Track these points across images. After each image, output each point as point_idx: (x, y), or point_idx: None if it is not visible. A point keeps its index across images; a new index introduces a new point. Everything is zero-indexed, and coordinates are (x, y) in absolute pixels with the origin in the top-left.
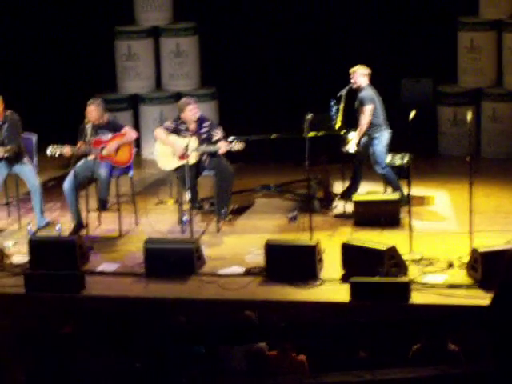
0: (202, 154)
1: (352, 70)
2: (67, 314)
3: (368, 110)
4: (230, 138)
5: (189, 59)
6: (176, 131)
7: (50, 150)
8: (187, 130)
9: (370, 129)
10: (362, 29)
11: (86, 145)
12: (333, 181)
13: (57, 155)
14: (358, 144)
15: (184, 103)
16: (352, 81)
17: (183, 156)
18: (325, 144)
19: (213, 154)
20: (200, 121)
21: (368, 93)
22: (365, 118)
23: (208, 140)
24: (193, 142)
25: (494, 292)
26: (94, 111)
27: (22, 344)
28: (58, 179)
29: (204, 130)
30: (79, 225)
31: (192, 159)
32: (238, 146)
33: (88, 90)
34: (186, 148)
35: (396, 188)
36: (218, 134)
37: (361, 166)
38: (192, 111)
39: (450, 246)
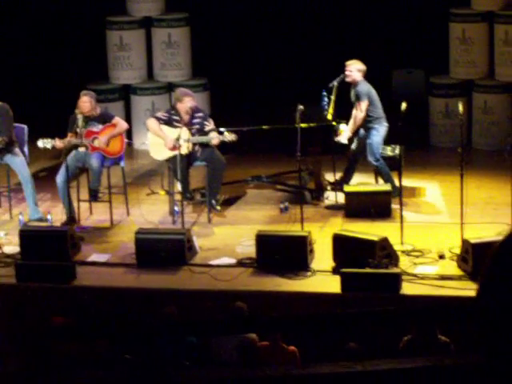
0: (194, 145)
1: (348, 62)
2: (58, 304)
3: (363, 104)
4: (222, 129)
5: (180, 50)
6: (168, 122)
7: (40, 143)
8: (180, 121)
9: (369, 121)
10: (354, 19)
11: (78, 136)
12: (324, 172)
13: (48, 147)
14: (352, 137)
15: (183, 93)
16: (347, 73)
17: (174, 147)
18: (316, 135)
19: (205, 145)
20: (193, 111)
21: (363, 88)
22: (360, 113)
23: (200, 131)
24: (184, 132)
25: (479, 285)
26: (87, 103)
27: (13, 335)
28: (49, 170)
29: (196, 120)
30: (71, 219)
31: (184, 150)
32: (230, 137)
33: (79, 81)
34: (178, 139)
35: (387, 179)
36: (209, 125)
37: (358, 157)
38: (190, 102)
39: (441, 237)
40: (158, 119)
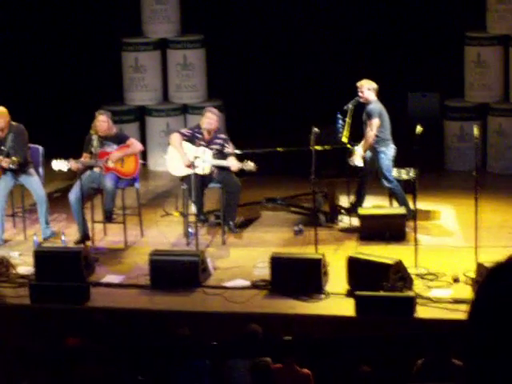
0: (212, 167)
1: (359, 83)
2: (72, 326)
3: (374, 124)
4: (238, 152)
5: (196, 71)
6: (191, 139)
7: (55, 165)
8: (202, 139)
9: (376, 143)
10: (370, 43)
11: (92, 157)
12: (339, 194)
13: (63, 169)
14: (364, 157)
15: (206, 109)
16: (360, 94)
17: (190, 166)
18: (331, 157)
19: (222, 168)
20: (216, 132)
21: (375, 107)
22: (371, 132)
23: (219, 152)
24: (204, 153)
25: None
26: (105, 122)
27: (26, 356)
28: (64, 190)
29: (218, 141)
30: (84, 236)
31: (200, 170)
32: (250, 166)
33: (94, 102)
34: (196, 158)
35: (402, 202)
36: (229, 148)
37: (366, 179)
38: (208, 118)
39: (455, 260)
40: (182, 135)
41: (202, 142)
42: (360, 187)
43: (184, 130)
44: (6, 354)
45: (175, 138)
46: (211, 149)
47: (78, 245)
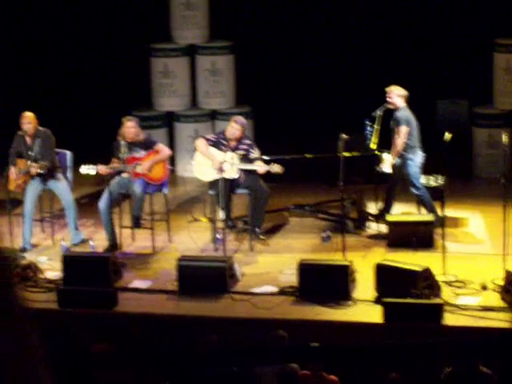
0: (239, 171)
1: (388, 89)
2: (99, 331)
3: (403, 131)
4: (266, 157)
5: (224, 78)
6: (216, 144)
7: (83, 169)
8: (227, 146)
9: (404, 150)
10: (399, 49)
11: (120, 162)
12: (367, 201)
13: (91, 174)
14: (393, 165)
15: (234, 118)
16: (388, 100)
17: (220, 169)
18: (359, 164)
19: (249, 173)
20: (241, 139)
21: (404, 114)
22: (399, 139)
23: (245, 157)
24: (231, 157)
25: None
26: (133, 128)
27: (53, 361)
28: (92, 196)
29: (243, 146)
30: (113, 245)
31: (229, 174)
32: (276, 168)
33: (123, 107)
34: (223, 162)
35: (430, 209)
36: (255, 153)
37: (395, 186)
38: (232, 128)
39: (483, 268)
40: (207, 140)
41: (227, 149)
42: (389, 194)
43: (209, 136)
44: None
45: (201, 143)
46: (237, 153)
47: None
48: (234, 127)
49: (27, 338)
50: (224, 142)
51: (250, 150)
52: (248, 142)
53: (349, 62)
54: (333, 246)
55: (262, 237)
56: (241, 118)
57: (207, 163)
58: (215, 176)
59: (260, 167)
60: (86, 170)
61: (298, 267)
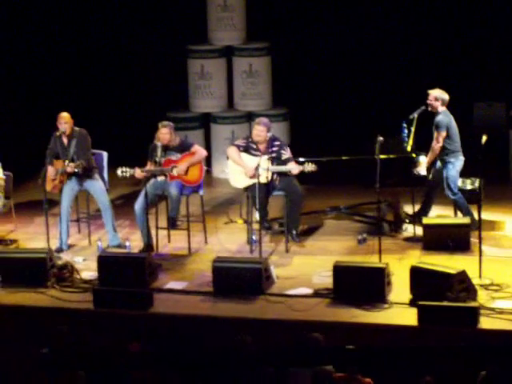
0: (273, 174)
1: (430, 91)
2: (135, 331)
3: (441, 135)
4: (302, 159)
5: (261, 79)
6: (246, 149)
7: (120, 172)
8: (257, 149)
9: (445, 153)
10: (436, 52)
11: (157, 165)
12: (403, 203)
13: (127, 176)
14: (430, 168)
15: (255, 121)
16: (428, 102)
17: (254, 175)
18: (395, 166)
19: (284, 174)
20: (270, 140)
21: (444, 119)
22: (437, 143)
23: (277, 159)
24: (264, 161)
25: None
26: (167, 134)
27: (88, 360)
28: (128, 197)
29: (274, 148)
30: (148, 247)
31: (263, 179)
32: (310, 167)
33: (160, 108)
34: (257, 168)
35: (466, 213)
36: (286, 153)
37: (434, 189)
38: (256, 131)
39: None
40: (238, 147)
41: (258, 152)
42: (428, 197)
43: (238, 142)
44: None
45: (233, 150)
46: (269, 157)
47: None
48: (258, 129)
49: None
50: (254, 146)
51: (281, 150)
52: (278, 142)
53: (387, 63)
54: (369, 249)
55: (297, 239)
56: (263, 119)
57: (241, 170)
58: (250, 182)
59: (294, 168)
60: (122, 173)
61: (334, 269)
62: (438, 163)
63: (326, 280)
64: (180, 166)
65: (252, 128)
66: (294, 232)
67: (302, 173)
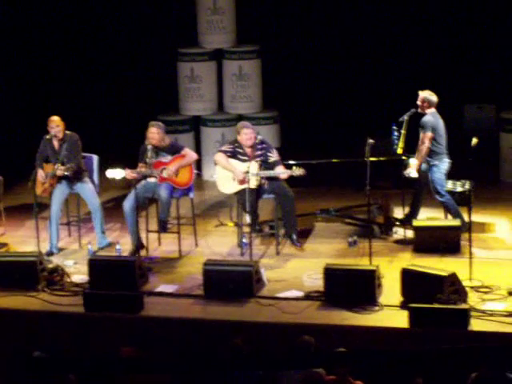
0: (261, 178)
1: (420, 92)
2: (126, 335)
3: (427, 136)
4: (292, 162)
5: (251, 82)
6: (233, 154)
7: (110, 174)
8: (244, 154)
9: (429, 156)
10: (425, 55)
11: (147, 167)
12: (393, 206)
13: (117, 178)
14: (419, 170)
15: (240, 126)
16: (418, 103)
17: (243, 181)
18: (386, 169)
19: (272, 178)
20: (255, 144)
21: (430, 119)
22: (423, 145)
23: (264, 162)
24: (253, 166)
25: None
26: (156, 134)
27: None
28: (119, 200)
29: (259, 152)
30: (138, 246)
31: (253, 183)
32: (299, 171)
33: (150, 111)
34: (247, 173)
35: (456, 215)
36: (273, 155)
37: (421, 191)
38: (246, 135)
39: (510, 273)
40: (225, 152)
41: (245, 157)
42: (415, 199)
43: (225, 148)
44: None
45: (220, 156)
46: (256, 161)
47: (132, 255)
48: (248, 133)
49: None
50: (240, 151)
51: (268, 153)
52: (264, 145)
53: (376, 66)
54: (359, 251)
55: (297, 244)
56: (247, 123)
57: (230, 176)
58: (239, 187)
59: (283, 173)
60: (112, 174)
61: (324, 272)
62: (424, 165)
63: (316, 283)
64: (170, 168)
65: (238, 134)
66: (294, 237)
67: (291, 176)
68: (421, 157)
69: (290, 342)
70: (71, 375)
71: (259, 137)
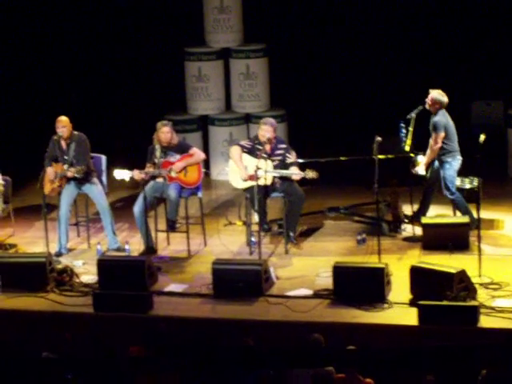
0: (274, 177)
1: (431, 90)
2: (135, 334)
3: (440, 136)
4: (301, 160)
5: (258, 81)
6: (251, 150)
7: (117, 174)
8: (263, 150)
9: (442, 153)
10: (433, 51)
11: (155, 167)
12: (402, 203)
13: (126, 179)
14: (428, 168)
15: (261, 121)
16: (427, 101)
17: (252, 177)
18: (394, 166)
19: (285, 178)
20: (276, 143)
21: (441, 119)
22: (435, 144)
23: (282, 162)
24: (263, 163)
25: None
26: (168, 133)
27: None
28: (127, 200)
29: (279, 151)
30: (149, 249)
31: (261, 181)
32: (311, 174)
33: (158, 111)
34: (257, 169)
35: (465, 212)
36: (291, 157)
37: (431, 189)
38: (262, 130)
39: None
40: (242, 147)
41: (264, 154)
42: (425, 197)
43: (244, 142)
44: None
45: (235, 150)
46: (273, 160)
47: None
48: (264, 129)
49: None
50: (259, 147)
51: (287, 154)
52: (283, 146)
53: (384, 63)
54: (368, 249)
55: (293, 241)
56: (269, 119)
57: (238, 172)
58: (249, 184)
59: (295, 174)
60: (120, 175)
61: (333, 270)
62: (436, 163)
63: (325, 281)
64: (177, 164)
65: (259, 129)
66: (292, 234)
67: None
68: (432, 156)
69: (299, 340)
70: (78, 376)
71: (275, 135)
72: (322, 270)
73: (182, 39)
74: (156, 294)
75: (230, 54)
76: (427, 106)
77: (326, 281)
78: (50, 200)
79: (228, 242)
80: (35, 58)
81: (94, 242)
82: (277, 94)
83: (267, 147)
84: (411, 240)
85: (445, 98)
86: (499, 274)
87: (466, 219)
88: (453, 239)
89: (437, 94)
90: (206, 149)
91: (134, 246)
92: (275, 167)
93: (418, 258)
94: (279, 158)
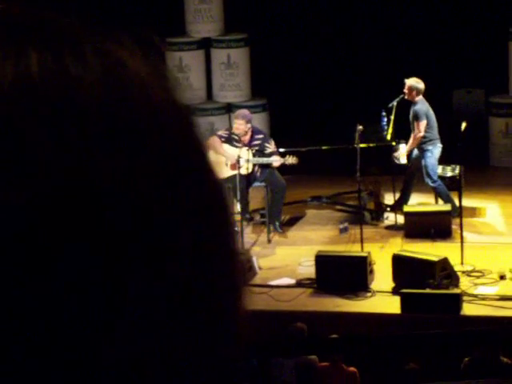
0: (254, 165)
1: (407, 80)
2: None
3: (422, 125)
4: (282, 150)
5: (240, 70)
6: (229, 140)
7: None
8: (239, 140)
9: (423, 142)
10: (414, 39)
11: None
12: (384, 192)
13: None
14: (409, 156)
15: (235, 115)
16: (405, 91)
17: (235, 166)
18: (376, 155)
19: (265, 166)
20: (253, 133)
21: (422, 107)
22: (419, 133)
23: (260, 152)
24: (245, 152)
25: None
26: None
27: None
28: None
29: (256, 142)
30: None
31: (244, 170)
32: (291, 160)
33: None
34: (238, 158)
35: (447, 200)
36: (270, 146)
37: (412, 177)
38: (236, 124)
39: (501, 257)
40: (220, 137)
41: (240, 144)
42: (406, 185)
43: (221, 132)
44: None
45: (214, 141)
46: (252, 150)
47: None
48: (237, 123)
49: None
50: (236, 138)
51: (265, 143)
52: (261, 136)
53: (364, 52)
54: (350, 238)
55: (279, 230)
56: (241, 112)
57: (221, 161)
58: (231, 173)
59: (275, 161)
60: None
61: (316, 259)
62: (416, 151)
63: (308, 270)
64: None
65: (233, 121)
66: (277, 223)
67: (283, 164)
68: (414, 144)
69: (282, 329)
70: None
71: (248, 125)
72: (304, 259)
73: (162, 29)
74: None
75: (211, 44)
76: (406, 96)
77: (308, 270)
78: None
79: None
80: None
81: None
82: (258, 83)
83: (244, 138)
84: (393, 228)
85: (421, 85)
86: (481, 261)
87: (447, 207)
88: (435, 227)
89: (412, 82)
90: None
91: None
92: (254, 156)
93: (400, 246)
94: (256, 147)
